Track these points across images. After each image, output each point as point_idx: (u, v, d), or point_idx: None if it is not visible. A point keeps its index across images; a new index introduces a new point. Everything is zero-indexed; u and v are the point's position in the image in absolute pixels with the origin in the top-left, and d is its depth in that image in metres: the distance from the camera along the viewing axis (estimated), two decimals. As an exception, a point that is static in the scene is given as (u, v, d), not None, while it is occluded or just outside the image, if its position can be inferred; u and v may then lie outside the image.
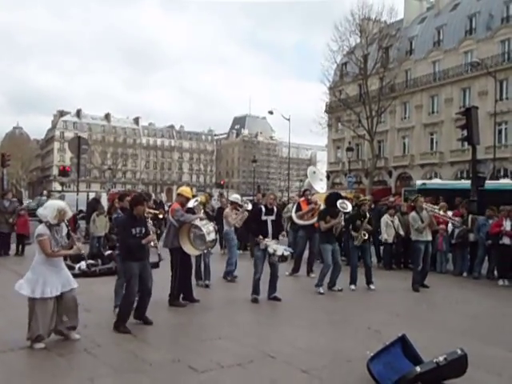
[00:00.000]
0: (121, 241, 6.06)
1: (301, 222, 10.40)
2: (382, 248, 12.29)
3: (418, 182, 22.01)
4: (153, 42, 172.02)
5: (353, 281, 9.00)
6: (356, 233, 9.04)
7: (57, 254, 5.23)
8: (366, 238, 8.96)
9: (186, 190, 7.76)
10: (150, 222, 6.47)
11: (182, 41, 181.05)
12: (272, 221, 7.78)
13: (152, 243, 6.15)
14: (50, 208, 5.28)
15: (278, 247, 7.57)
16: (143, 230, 5.95)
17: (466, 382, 4.26)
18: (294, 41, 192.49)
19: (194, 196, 8.40)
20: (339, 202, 8.81)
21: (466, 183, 23.13)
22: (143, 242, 5.92)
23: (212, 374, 4.48)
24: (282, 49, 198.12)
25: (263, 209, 7.87)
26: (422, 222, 9.04)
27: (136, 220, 5.95)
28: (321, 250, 8.92)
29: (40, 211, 5.33)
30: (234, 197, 10.83)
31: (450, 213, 10.21)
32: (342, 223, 8.86)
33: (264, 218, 7.75)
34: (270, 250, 7.48)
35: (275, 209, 7.98)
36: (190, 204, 7.80)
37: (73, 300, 5.36)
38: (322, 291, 8.37)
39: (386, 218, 11.60)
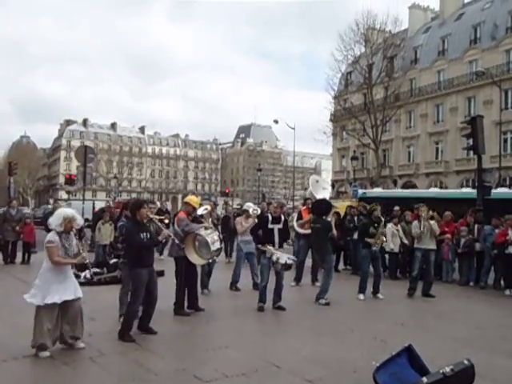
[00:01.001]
0: (131, 246, 5.99)
1: (301, 231, 10.36)
2: (387, 257, 12.23)
3: (360, 191, 23.51)
4: (159, 52, 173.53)
5: (362, 290, 8.96)
6: (372, 239, 9.01)
7: (62, 261, 5.26)
8: (385, 240, 8.98)
9: (193, 199, 7.75)
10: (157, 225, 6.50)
11: (188, 50, 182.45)
12: (279, 229, 7.81)
13: (171, 236, 6.33)
14: (56, 216, 5.36)
15: (282, 255, 7.60)
16: (148, 235, 5.98)
17: (472, 393, 4.23)
18: (299, 50, 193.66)
19: (201, 205, 8.37)
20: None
21: (404, 192, 24.80)
22: (160, 237, 6.09)
23: (217, 384, 4.46)
24: (287, 58, 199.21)
25: (270, 217, 7.89)
26: (421, 229, 9.15)
27: (141, 225, 5.97)
28: (327, 260, 8.83)
29: (50, 220, 5.41)
30: (248, 205, 10.91)
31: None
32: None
33: (271, 226, 7.78)
34: (274, 258, 7.51)
35: (282, 217, 7.99)
36: (199, 211, 7.78)
37: (76, 310, 5.37)
38: (327, 301, 8.30)
39: (391, 228, 11.58)
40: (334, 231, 9.08)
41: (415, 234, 9.33)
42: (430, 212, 9.43)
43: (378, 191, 23.94)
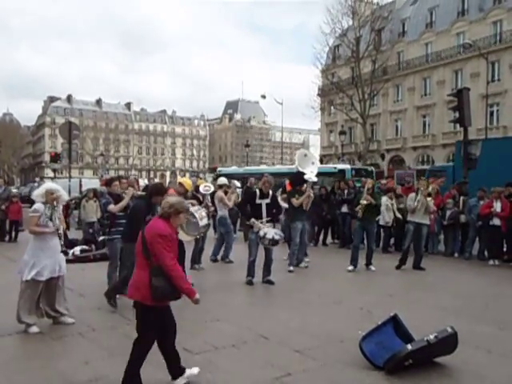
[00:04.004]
0: (134, 224, 6.08)
1: (285, 205, 10.41)
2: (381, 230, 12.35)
3: (218, 169, 29.18)
4: (148, 25, 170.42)
5: (353, 263, 9.08)
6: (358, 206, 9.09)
7: (37, 230, 5.22)
8: (366, 202, 8.95)
9: (187, 182, 7.99)
10: None
11: (178, 23, 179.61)
12: (267, 204, 7.81)
13: None
14: (40, 188, 5.51)
15: (269, 231, 7.59)
16: (151, 218, 6.09)
17: (455, 359, 4.35)
18: (292, 23, 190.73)
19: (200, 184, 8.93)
20: (305, 176, 8.83)
21: (252, 168, 29.37)
22: None
23: (207, 356, 4.53)
24: (279, 32, 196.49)
25: (258, 192, 7.90)
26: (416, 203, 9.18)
27: (151, 208, 6.11)
28: (290, 228, 9.11)
29: (34, 192, 5.59)
30: (221, 180, 11.02)
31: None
32: (311, 195, 9.01)
33: (259, 201, 7.78)
34: (261, 233, 7.52)
35: (270, 192, 7.98)
36: (202, 191, 8.43)
37: (60, 285, 5.40)
38: (291, 269, 8.80)
39: (385, 201, 11.64)
40: (293, 200, 8.97)
41: (409, 207, 9.30)
42: (429, 188, 9.41)
43: (231, 168, 29.92)
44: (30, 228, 5.27)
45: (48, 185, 5.64)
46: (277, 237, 7.58)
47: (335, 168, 22.34)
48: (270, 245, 7.61)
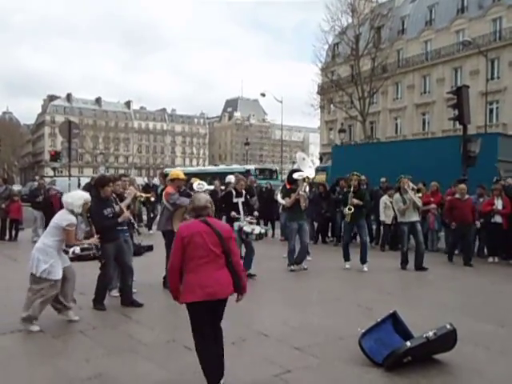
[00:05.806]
0: (96, 224, 6.07)
1: (283, 202, 10.46)
2: (381, 228, 12.36)
3: (165, 170, 29.14)
4: (151, 24, 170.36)
5: (346, 258, 9.09)
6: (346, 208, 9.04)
7: (78, 242, 5.63)
8: (351, 211, 8.84)
9: (180, 174, 7.85)
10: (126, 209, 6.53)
11: (180, 22, 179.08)
12: (242, 202, 8.23)
13: (131, 220, 6.35)
14: (77, 198, 5.42)
15: (255, 227, 8.06)
16: (113, 211, 6.11)
17: (454, 355, 4.37)
18: (294, 21, 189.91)
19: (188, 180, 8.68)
20: (295, 174, 8.84)
21: (192, 169, 32.99)
22: (119, 219, 6.11)
23: (206, 353, 4.52)
24: (281, 30, 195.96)
25: (233, 192, 8.27)
26: (405, 203, 9.09)
27: (105, 201, 6.08)
28: (286, 227, 9.24)
29: (67, 200, 5.43)
30: (230, 178, 11.01)
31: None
32: (301, 192, 8.70)
33: (235, 200, 8.18)
34: (248, 230, 7.86)
35: (244, 191, 8.40)
36: (195, 187, 8.36)
37: (73, 272, 5.54)
38: (293, 268, 8.77)
39: (384, 199, 11.62)
40: (286, 199, 9.00)
41: (401, 209, 9.17)
42: (413, 185, 9.37)
43: (178, 169, 34.72)
44: (71, 242, 5.47)
45: (84, 195, 5.54)
46: (263, 231, 8.10)
47: (244, 168, 25.90)
48: (257, 239, 7.95)
